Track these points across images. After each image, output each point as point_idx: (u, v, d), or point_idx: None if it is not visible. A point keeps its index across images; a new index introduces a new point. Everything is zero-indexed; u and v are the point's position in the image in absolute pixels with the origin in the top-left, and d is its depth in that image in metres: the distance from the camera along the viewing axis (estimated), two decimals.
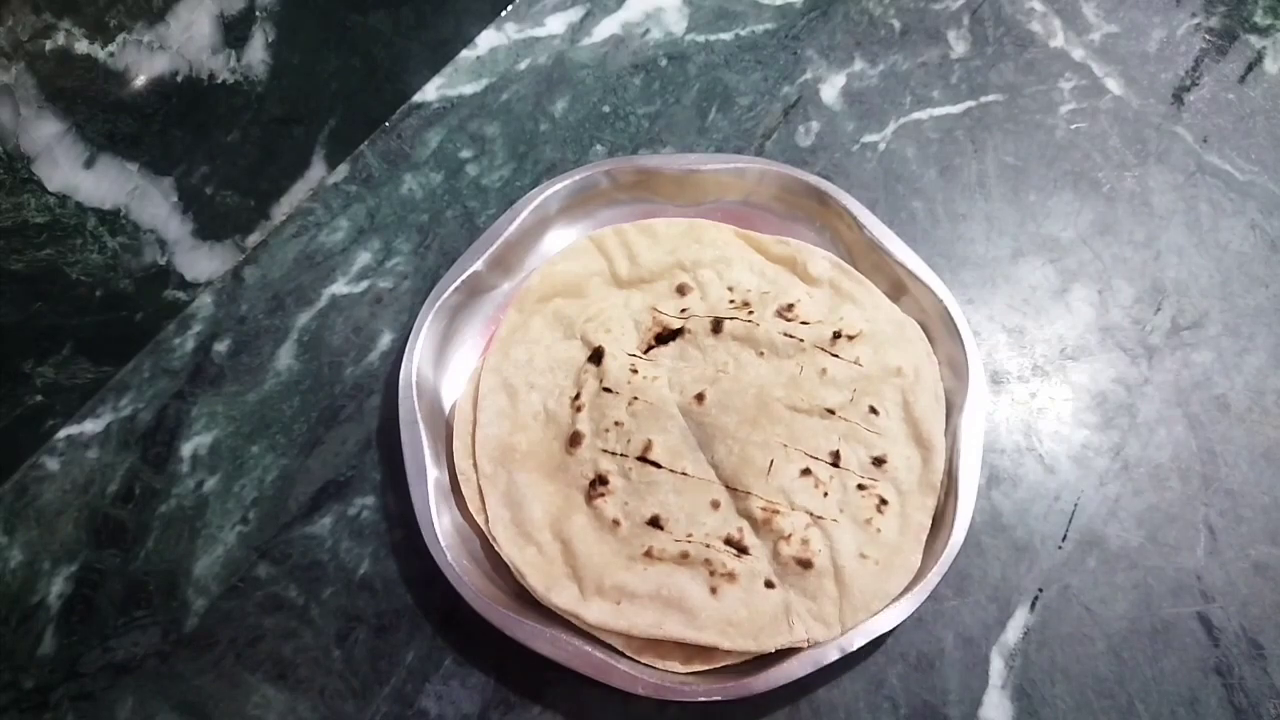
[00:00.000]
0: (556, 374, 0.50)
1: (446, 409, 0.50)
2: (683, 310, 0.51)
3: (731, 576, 0.45)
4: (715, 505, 0.46)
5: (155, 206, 0.50)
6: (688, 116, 0.60)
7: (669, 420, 0.48)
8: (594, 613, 0.44)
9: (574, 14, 0.64)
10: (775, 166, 0.54)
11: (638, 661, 0.44)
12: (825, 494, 0.46)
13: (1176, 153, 0.58)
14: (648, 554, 0.45)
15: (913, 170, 0.57)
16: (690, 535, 0.46)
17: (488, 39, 0.63)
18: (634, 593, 0.44)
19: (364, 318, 0.55)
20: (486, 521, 0.47)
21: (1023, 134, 0.58)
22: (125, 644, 0.47)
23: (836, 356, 0.49)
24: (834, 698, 0.45)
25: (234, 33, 0.49)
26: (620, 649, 0.44)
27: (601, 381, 0.49)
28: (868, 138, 0.59)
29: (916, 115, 0.59)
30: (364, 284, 0.56)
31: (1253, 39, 0.61)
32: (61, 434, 0.52)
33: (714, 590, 0.44)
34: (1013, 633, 0.46)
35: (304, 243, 0.57)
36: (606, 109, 0.61)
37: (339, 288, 0.55)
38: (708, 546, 0.45)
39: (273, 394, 0.53)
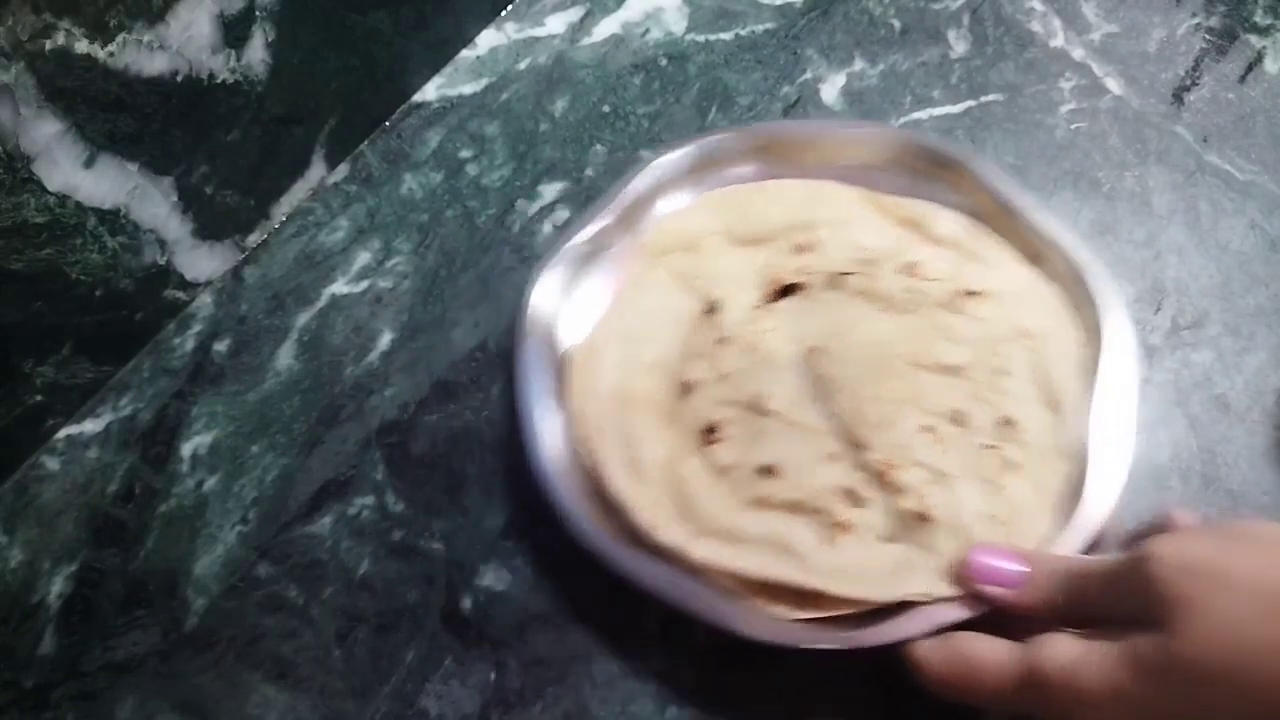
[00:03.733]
0: (672, 325, 0.49)
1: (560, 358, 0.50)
2: (798, 268, 0.50)
3: (846, 527, 0.43)
4: (831, 458, 0.45)
5: (155, 206, 0.50)
6: (688, 116, 0.60)
7: (785, 372, 0.47)
8: (701, 550, 0.43)
9: (574, 14, 0.64)
10: (905, 132, 0.53)
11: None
12: (946, 452, 0.44)
13: (1176, 152, 0.58)
14: (760, 501, 0.44)
15: None
16: (804, 485, 0.44)
17: (488, 39, 0.63)
18: (744, 536, 0.43)
19: (364, 317, 0.55)
20: (597, 463, 0.46)
21: (1023, 134, 0.58)
22: (125, 643, 0.47)
23: (963, 314, 0.47)
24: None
25: (234, 32, 0.49)
26: (727, 588, 0.42)
27: (718, 332, 0.48)
28: None
29: (916, 115, 0.59)
30: (364, 283, 0.56)
31: (1253, 39, 0.61)
32: (61, 434, 0.52)
33: (828, 540, 0.43)
34: None
35: (304, 242, 0.57)
36: (606, 109, 0.61)
37: (339, 287, 0.56)
38: (823, 492, 0.44)
39: (273, 393, 0.53)
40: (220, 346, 0.54)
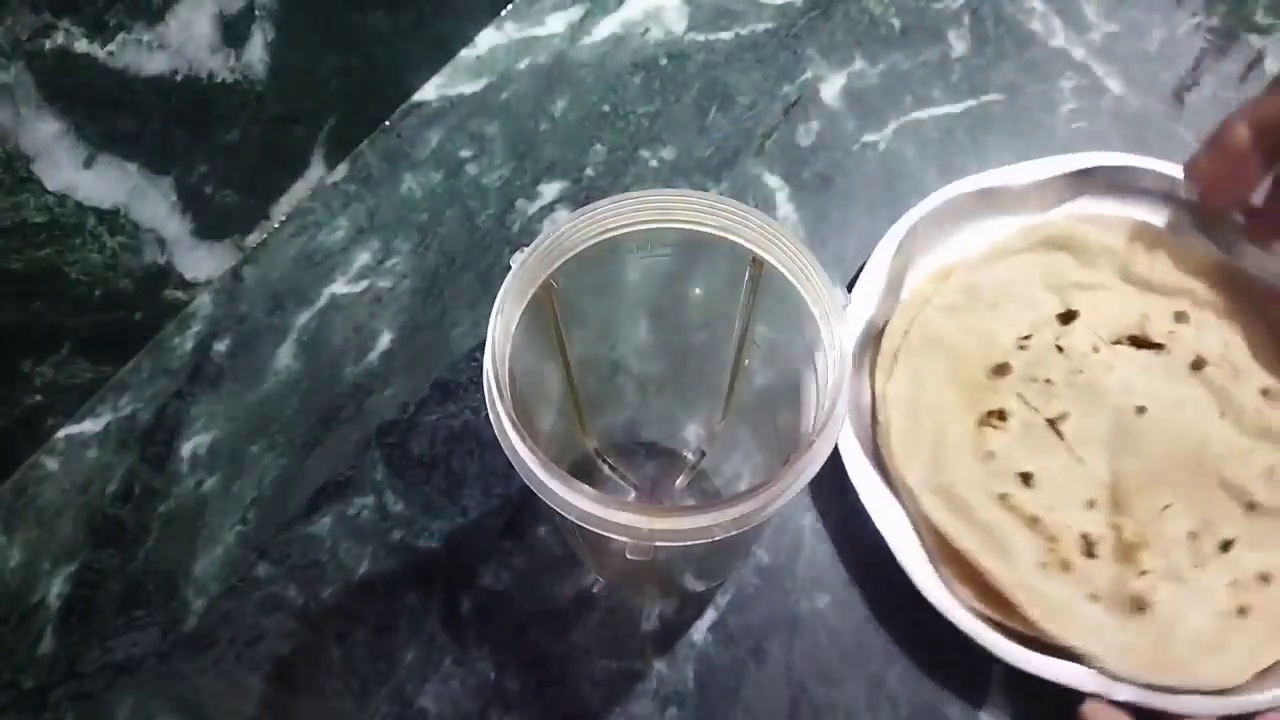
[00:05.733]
0: (1022, 308, 0.50)
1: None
2: (1170, 332, 0.49)
3: (1066, 566, 0.43)
4: (1090, 504, 0.45)
5: (154, 206, 0.50)
6: (688, 115, 0.60)
7: (1098, 409, 0.47)
8: (929, 503, 0.45)
9: (574, 13, 0.64)
10: None
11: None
12: (1196, 566, 0.44)
13: (1177, 152, 0.58)
14: (1003, 498, 0.45)
15: (913, 170, 0.57)
16: (1052, 510, 0.45)
17: (487, 38, 0.63)
18: (971, 515, 0.44)
19: (363, 317, 0.54)
20: (884, 382, 0.48)
21: (1023, 133, 0.58)
22: (124, 644, 0.47)
23: None
24: (834, 698, 0.45)
25: (233, 32, 0.49)
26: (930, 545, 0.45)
27: (1059, 339, 0.48)
28: (868, 137, 0.59)
29: (917, 115, 0.59)
30: (363, 284, 0.55)
31: (1253, 38, 0.61)
32: (61, 434, 0.52)
33: (1043, 565, 0.44)
34: None
35: (303, 242, 0.57)
36: (606, 108, 0.60)
37: (338, 287, 0.55)
38: (1067, 528, 0.44)
39: (272, 394, 0.53)
40: (220, 346, 0.54)
